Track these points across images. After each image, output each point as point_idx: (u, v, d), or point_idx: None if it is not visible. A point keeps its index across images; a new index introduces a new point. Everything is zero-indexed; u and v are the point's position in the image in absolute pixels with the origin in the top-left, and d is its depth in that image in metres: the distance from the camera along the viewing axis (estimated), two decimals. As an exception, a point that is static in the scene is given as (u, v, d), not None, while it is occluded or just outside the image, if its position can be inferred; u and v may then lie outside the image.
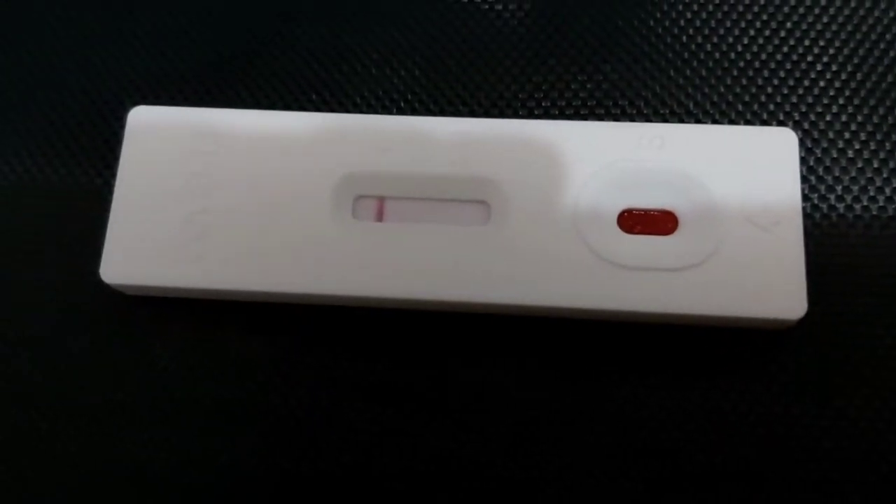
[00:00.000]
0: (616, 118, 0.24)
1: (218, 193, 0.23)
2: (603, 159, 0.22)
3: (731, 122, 0.24)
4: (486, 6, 0.26)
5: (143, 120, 0.24)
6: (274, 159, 0.23)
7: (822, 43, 0.25)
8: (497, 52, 0.26)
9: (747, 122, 0.24)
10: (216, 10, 0.26)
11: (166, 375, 0.23)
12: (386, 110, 0.25)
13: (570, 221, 0.22)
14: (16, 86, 0.26)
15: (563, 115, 0.25)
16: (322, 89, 0.25)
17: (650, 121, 0.24)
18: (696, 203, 0.22)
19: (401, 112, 0.25)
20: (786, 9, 0.25)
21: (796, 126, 0.24)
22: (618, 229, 0.22)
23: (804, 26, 0.25)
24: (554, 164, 0.22)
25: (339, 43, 0.26)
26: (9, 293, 0.24)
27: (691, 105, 0.24)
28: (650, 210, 0.22)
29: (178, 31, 0.26)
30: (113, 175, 0.24)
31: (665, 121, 0.24)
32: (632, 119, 0.24)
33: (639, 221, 0.22)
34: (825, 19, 0.25)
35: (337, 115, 0.24)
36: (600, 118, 0.24)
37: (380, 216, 0.23)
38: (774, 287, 0.21)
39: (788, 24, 0.25)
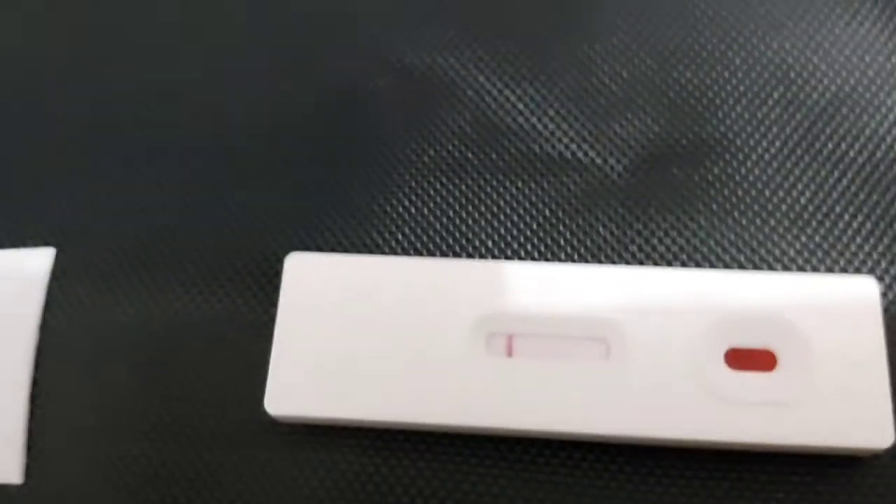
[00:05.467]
0: (712, 264, 0.28)
1: (366, 332, 0.26)
2: (710, 304, 0.25)
3: (814, 267, 0.27)
4: (589, 160, 0.30)
5: (298, 265, 0.27)
6: (416, 301, 0.26)
7: (886, 201, 0.28)
8: (599, 201, 0.29)
9: (828, 267, 0.27)
10: (347, 169, 0.30)
11: (317, 498, 0.26)
12: (502, 253, 0.28)
13: (682, 359, 0.25)
14: (182, 228, 0.29)
15: (662, 260, 0.28)
16: (447, 235, 0.29)
17: (742, 266, 0.27)
18: (792, 343, 0.25)
19: (514, 255, 0.28)
20: (861, 158, 0.28)
21: (874, 267, 0.27)
22: (724, 366, 0.25)
23: (877, 175, 0.28)
24: (668, 306, 0.25)
25: (461, 192, 0.29)
26: (173, 420, 0.27)
27: (777, 252, 0.28)
28: (752, 349, 0.25)
29: (319, 187, 0.30)
30: (266, 311, 0.27)
31: (755, 267, 0.27)
32: (724, 265, 0.28)
33: (743, 359, 0.25)
34: (886, 181, 0.28)
35: (471, 262, 0.27)
36: (696, 263, 0.28)
37: (510, 352, 0.26)
38: (865, 420, 0.24)
39: (864, 173, 0.28)
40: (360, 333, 0.26)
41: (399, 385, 0.25)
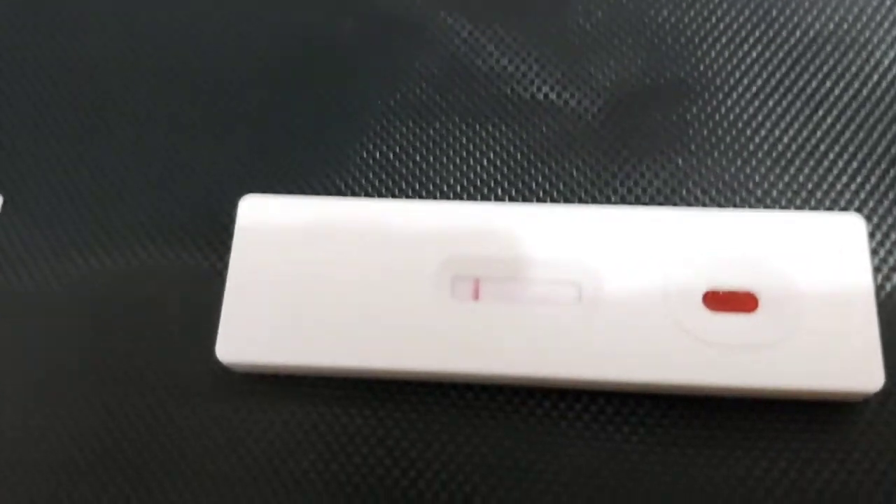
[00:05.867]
0: (689, 205, 0.26)
1: (325, 276, 0.24)
2: (688, 242, 0.24)
3: (798, 207, 0.26)
4: (563, 102, 0.28)
5: (254, 208, 0.25)
6: (377, 243, 0.25)
7: (873, 140, 0.27)
8: (574, 144, 0.28)
9: (813, 208, 0.26)
10: (314, 110, 0.28)
11: (274, 449, 0.24)
12: (471, 198, 0.27)
13: (658, 302, 0.24)
14: (133, 176, 0.28)
15: (638, 202, 0.26)
16: (413, 180, 0.27)
17: (721, 206, 0.26)
18: (774, 284, 0.24)
19: (484, 199, 0.27)
20: (847, 96, 0.27)
21: (861, 207, 0.26)
22: (703, 308, 0.24)
23: (864, 113, 0.27)
24: (641, 246, 0.24)
25: (428, 136, 0.28)
26: (126, 369, 0.25)
27: (759, 192, 0.26)
28: (732, 290, 0.24)
29: (284, 129, 0.28)
30: (220, 259, 0.26)
31: (735, 206, 0.26)
32: (703, 205, 0.26)
33: (722, 301, 0.24)
34: (883, 106, 0.27)
35: (435, 202, 0.26)
36: (674, 205, 0.26)
37: (476, 296, 0.24)
38: (852, 361, 0.23)
39: (849, 111, 0.27)
40: (319, 278, 0.24)
41: (360, 331, 0.24)
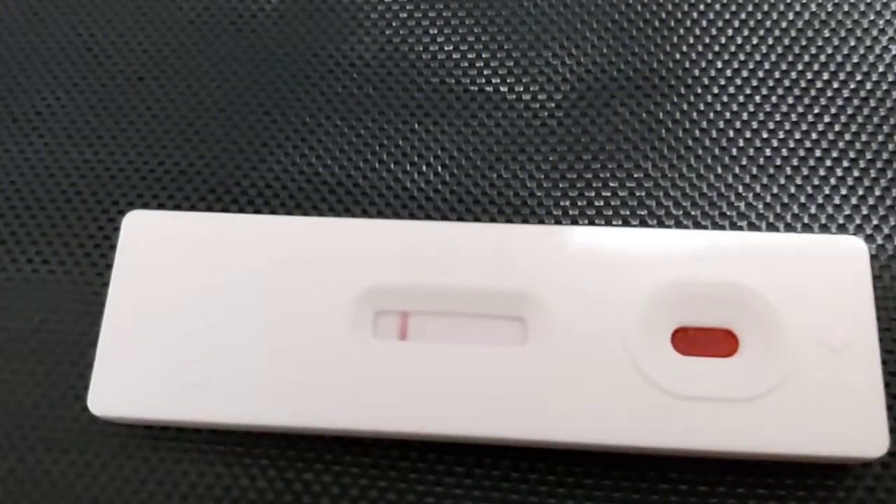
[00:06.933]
0: (660, 221, 0.22)
1: (221, 310, 0.20)
2: (654, 271, 0.20)
3: (788, 227, 0.22)
4: (515, 97, 0.24)
5: (139, 225, 0.21)
6: (285, 270, 0.21)
7: (878, 143, 0.23)
8: (527, 147, 0.24)
9: (805, 228, 0.22)
10: (219, 106, 0.24)
11: (161, 515, 0.20)
12: (406, 211, 0.23)
13: (618, 341, 0.20)
14: (10, 186, 0.24)
15: (600, 217, 0.22)
16: (339, 190, 0.23)
17: (698, 225, 0.22)
18: (757, 321, 0.20)
19: (420, 215, 0.23)
20: (846, 91, 0.23)
21: (862, 226, 0.22)
22: (672, 350, 0.20)
23: (856, 126, 0.23)
24: (599, 276, 0.20)
25: (354, 139, 0.24)
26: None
27: (742, 206, 0.22)
28: (707, 328, 0.20)
29: (180, 129, 0.24)
30: (105, 283, 0.22)
31: (715, 225, 0.22)
32: (677, 223, 0.22)
33: (695, 341, 0.20)
34: (878, 118, 0.23)
35: (355, 220, 0.21)
36: (642, 221, 0.22)
37: (403, 334, 0.20)
38: (851, 420, 0.19)
39: (850, 110, 0.23)
40: (215, 313, 0.20)
41: (262, 379, 0.20)
